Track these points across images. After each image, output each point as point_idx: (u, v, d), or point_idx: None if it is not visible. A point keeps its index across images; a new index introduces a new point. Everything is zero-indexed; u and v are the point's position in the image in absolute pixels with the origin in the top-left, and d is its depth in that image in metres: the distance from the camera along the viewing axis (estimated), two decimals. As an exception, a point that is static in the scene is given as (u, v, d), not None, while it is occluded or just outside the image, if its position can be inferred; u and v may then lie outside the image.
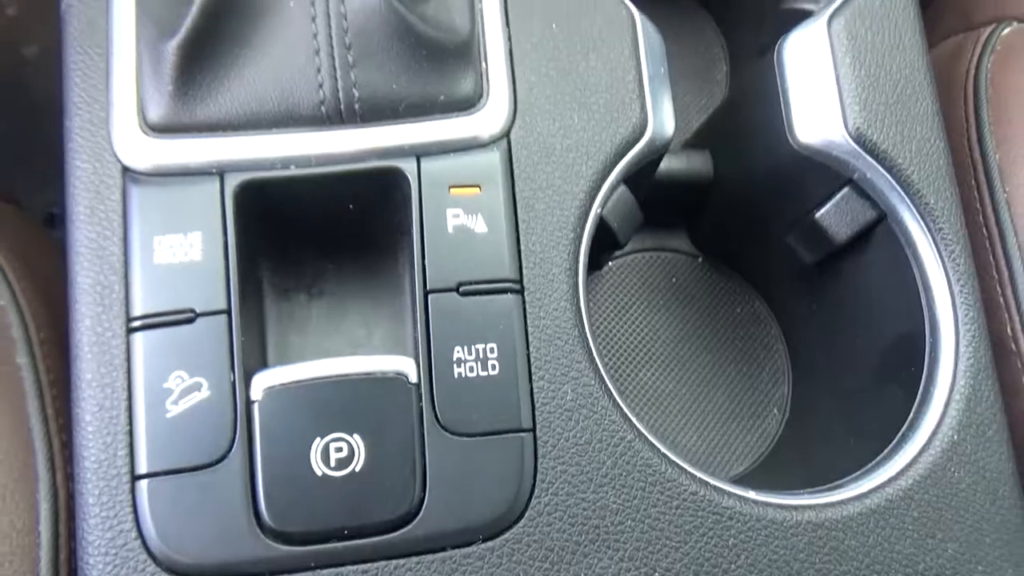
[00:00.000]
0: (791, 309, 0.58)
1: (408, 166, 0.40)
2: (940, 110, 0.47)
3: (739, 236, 0.58)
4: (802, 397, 0.57)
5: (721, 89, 0.67)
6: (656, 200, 0.52)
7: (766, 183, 0.51)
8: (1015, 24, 0.59)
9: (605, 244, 0.45)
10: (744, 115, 0.52)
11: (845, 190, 0.47)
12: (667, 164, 0.55)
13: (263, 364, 0.41)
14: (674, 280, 0.60)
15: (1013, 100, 0.53)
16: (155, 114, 0.39)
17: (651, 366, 0.58)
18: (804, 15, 0.50)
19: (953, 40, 0.63)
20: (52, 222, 1.28)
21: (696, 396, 0.58)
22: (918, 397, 0.43)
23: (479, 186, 0.40)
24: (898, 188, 0.45)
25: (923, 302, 0.45)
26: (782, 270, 0.55)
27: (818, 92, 0.46)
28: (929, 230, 0.45)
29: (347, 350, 0.43)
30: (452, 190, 0.40)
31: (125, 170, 0.39)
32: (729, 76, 0.67)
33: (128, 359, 0.37)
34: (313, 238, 0.43)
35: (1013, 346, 0.46)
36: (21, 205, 0.67)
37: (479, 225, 0.40)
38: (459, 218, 0.40)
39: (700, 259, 0.61)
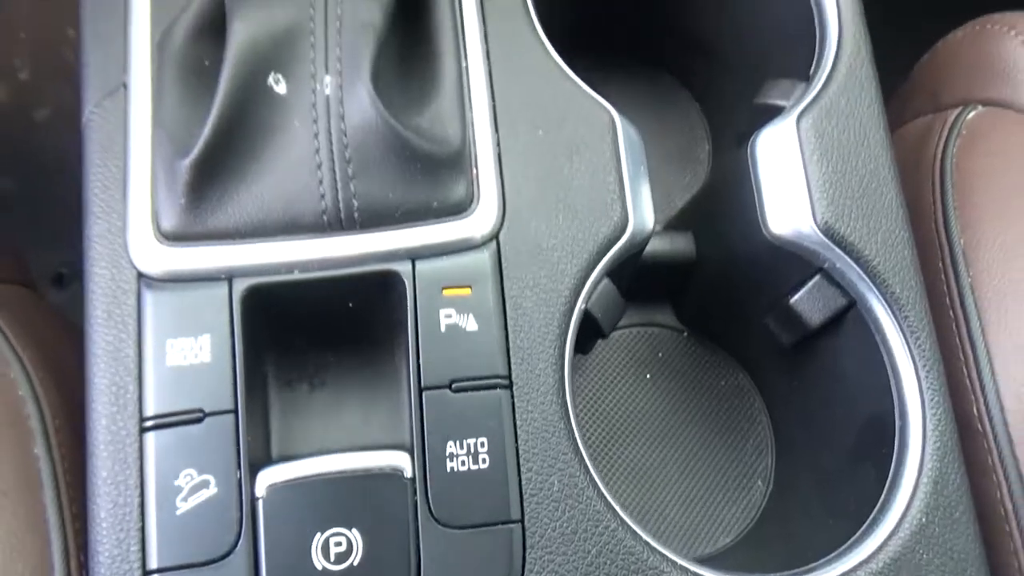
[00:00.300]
0: (773, 384, 0.61)
1: (404, 268, 0.43)
2: (904, 202, 0.50)
3: (721, 314, 0.61)
4: (785, 470, 0.59)
5: (704, 168, 0.70)
6: (642, 279, 0.55)
7: (744, 268, 0.54)
8: (980, 108, 0.63)
9: (591, 333, 0.48)
10: (722, 202, 0.55)
11: (817, 278, 0.50)
12: (652, 245, 0.58)
13: (268, 456, 0.43)
14: (660, 355, 0.63)
15: (977, 185, 0.56)
16: (168, 224, 0.42)
17: (638, 439, 0.60)
18: (776, 110, 0.54)
19: (923, 120, 0.67)
20: (61, 281, 1.32)
21: (682, 468, 0.60)
22: (889, 479, 0.46)
23: (470, 286, 0.43)
24: (865, 278, 0.48)
25: (892, 386, 0.47)
26: (763, 347, 0.58)
27: (789, 186, 0.49)
28: (896, 317, 0.48)
29: (346, 439, 0.45)
30: (445, 291, 0.43)
31: (140, 276, 0.42)
32: (711, 156, 0.70)
33: (141, 457, 0.39)
34: (315, 333, 0.45)
35: (979, 426, 0.49)
36: (30, 271, 0.70)
37: (470, 324, 0.42)
38: (451, 318, 0.42)
39: (685, 334, 0.64)
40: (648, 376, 0.62)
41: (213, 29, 0.44)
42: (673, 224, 0.64)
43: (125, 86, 0.45)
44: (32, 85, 1.42)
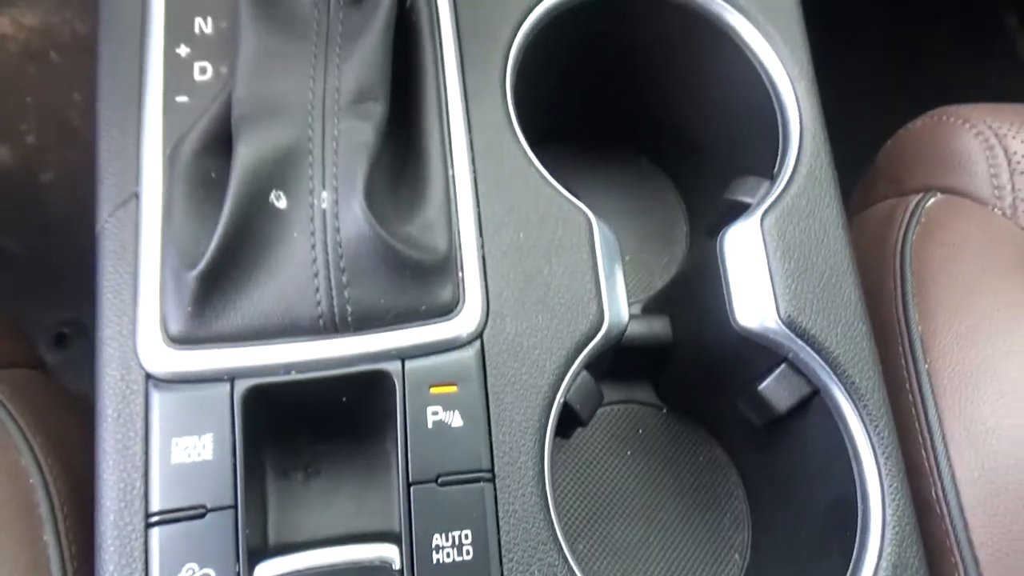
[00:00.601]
0: (748, 460, 0.64)
1: (394, 368, 0.46)
2: (863, 296, 0.53)
3: (697, 393, 0.64)
4: (760, 545, 0.61)
5: (682, 248, 0.74)
6: (622, 359, 0.58)
7: (716, 354, 0.57)
8: (939, 195, 0.67)
9: (571, 422, 0.51)
10: (696, 291, 0.59)
11: (782, 367, 0.53)
12: (631, 329, 0.61)
13: (265, 545, 0.46)
14: (641, 431, 0.66)
15: (934, 274, 0.60)
16: (176, 328, 0.45)
17: (620, 516, 0.63)
18: (744, 206, 0.58)
19: (886, 204, 0.71)
20: (62, 341, 1.34)
21: (663, 543, 0.62)
22: (852, 562, 0.48)
23: (456, 384, 0.46)
24: (827, 368, 0.51)
25: (854, 471, 0.50)
26: (737, 425, 0.61)
27: (754, 282, 0.52)
28: (856, 406, 0.51)
29: (340, 525, 0.48)
30: (432, 389, 0.46)
31: (148, 376, 0.45)
32: (689, 237, 0.74)
33: (146, 551, 0.42)
34: (311, 426, 0.48)
35: (938, 509, 0.51)
36: (39, 349, 0.73)
37: (456, 420, 0.46)
38: (438, 415, 0.45)
39: (665, 410, 0.67)
40: (629, 453, 0.65)
41: (219, 144, 0.48)
42: (651, 305, 0.68)
43: (137, 196, 0.49)
44: (38, 148, 1.47)
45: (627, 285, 0.60)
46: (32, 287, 1.33)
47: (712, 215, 0.63)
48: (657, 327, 0.62)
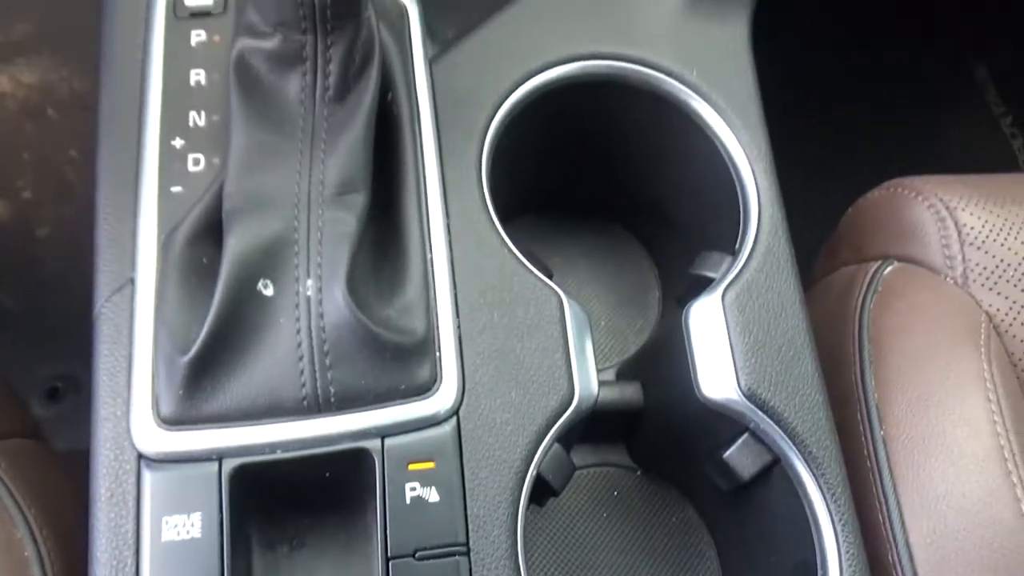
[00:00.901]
0: (718, 521, 0.66)
1: (374, 445, 0.48)
2: (819, 368, 0.56)
3: (668, 456, 0.66)
4: (731, 606, 0.64)
5: (654, 314, 0.77)
6: (596, 423, 0.61)
7: (683, 421, 0.60)
8: (896, 263, 0.70)
9: (544, 492, 0.54)
10: (664, 360, 0.62)
11: (745, 436, 0.56)
12: (604, 395, 0.64)
13: None
14: (616, 493, 0.68)
15: (890, 342, 0.63)
16: (167, 410, 0.48)
17: (596, 577, 0.65)
18: (708, 280, 0.61)
19: (847, 270, 0.74)
20: (55, 395, 1.36)
21: (638, 605, 0.64)
22: (812, 628, 0.51)
23: (433, 461, 0.49)
24: (786, 438, 0.54)
25: (814, 537, 0.53)
26: (707, 488, 0.63)
27: (717, 355, 0.56)
28: (815, 475, 0.54)
29: (324, 596, 0.50)
30: (411, 466, 0.48)
31: (140, 456, 0.48)
32: (661, 302, 0.77)
33: (137, 628, 0.44)
34: (295, 500, 0.51)
35: (894, 573, 0.54)
36: (35, 419, 0.75)
37: (432, 495, 0.48)
38: (416, 491, 0.48)
39: (638, 472, 0.70)
40: (605, 515, 0.67)
41: (211, 232, 0.51)
42: (624, 370, 0.71)
43: (133, 282, 0.52)
44: (34, 204, 1.50)
45: (602, 349, 0.62)
46: (26, 341, 1.35)
47: (681, 285, 0.66)
48: (629, 393, 0.65)
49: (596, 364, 0.56)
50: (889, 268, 0.70)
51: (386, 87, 0.56)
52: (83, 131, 1.50)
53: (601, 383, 0.58)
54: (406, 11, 0.62)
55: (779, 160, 0.63)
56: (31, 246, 1.42)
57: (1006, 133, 1.72)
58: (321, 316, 0.48)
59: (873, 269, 0.70)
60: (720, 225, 0.65)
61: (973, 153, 1.67)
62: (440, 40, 0.66)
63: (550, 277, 0.58)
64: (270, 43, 0.50)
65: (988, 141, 1.69)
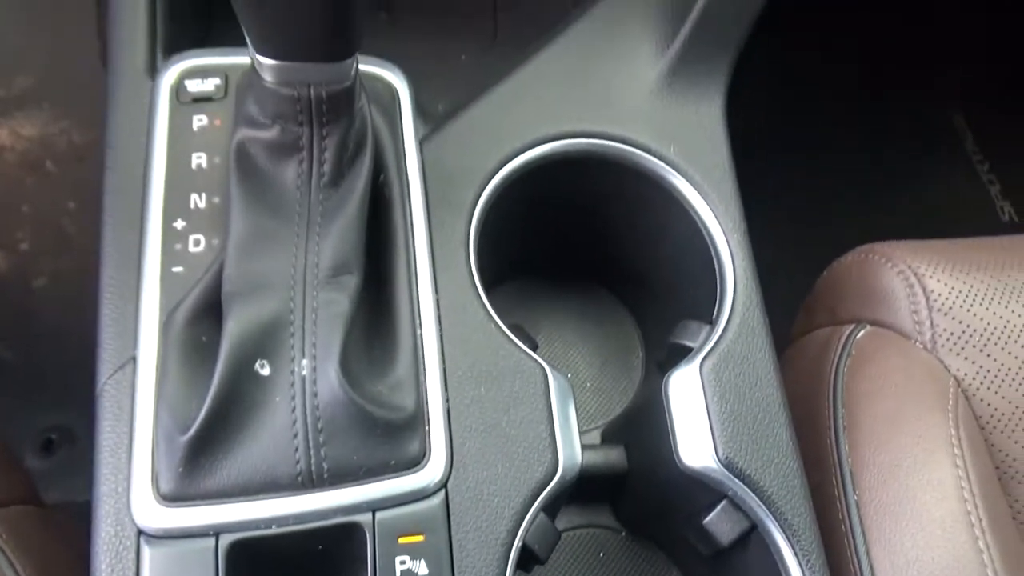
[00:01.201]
0: (701, 583, 0.68)
1: (365, 519, 0.50)
2: (794, 435, 0.59)
3: (652, 520, 0.68)
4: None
5: (638, 375, 0.79)
6: (582, 486, 0.63)
7: (665, 487, 0.62)
8: (868, 327, 0.73)
9: (530, 560, 0.56)
10: (645, 426, 0.64)
11: (724, 503, 0.58)
12: (589, 459, 0.66)
13: None
14: (602, 555, 0.70)
15: (862, 407, 0.66)
16: (166, 487, 0.50)
17: (583, 640, 0.67)
18: (687, 349, 0.63)
19: (823, 332, 0.77)
20: (49, 447, 1.37)
21: (623, 666, 0.66)
22: None
23: (423, 534, 0.51)
24: (763, 506, 0.56)
25: (792, 603, 0.55)
26: (690, 552, 0.65)
27: (696, 424, 0.58)
28: (790, 541, 0.56)
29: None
30: (400, 539, 0.50)
31: (140, 532, 0.49)
32: (644, 364, 0.80)
33: None
34: (289, 572, 0.52)
35: (870, 637, 0.56)
36: (35, 485, 0.76)
37: (422, 568, 0.50)
38: (406, 564, 0.50)
39: (624, 533, 0.71)
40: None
41: (210, 311, 0.54)
42: (609, 431, 0.73)
43: (135, 360, 0.54)
44: (32, 255, 1.52)
45: (588, 410, 0.64)
46: (21, 393, 1.36)
47: (662, 350, 0.69)
48: (613, 457, 0.67)
49: (582, 425, 0.58)
50: (862, 332, 0.73)
51: (378, 169, 0.59)
52: (81, 183, 1.54)
53: (586, 447, 0.60)
54: (397, 94, 0.65)
55: (764, 213, 0.66)
56: (28, 297, 1.44)
57: (984, 180, 1.77)
58: (315, 395, 0.50)
59: (847, 333, 0.73)
60: (698, 293, 0.68)
61: (953, 200, 1.71)
62: (430, 114, 0.69)
63: (535, 348, 0.61)
64: (269, 134, 0.53)
65: (968, 188, 1.74)
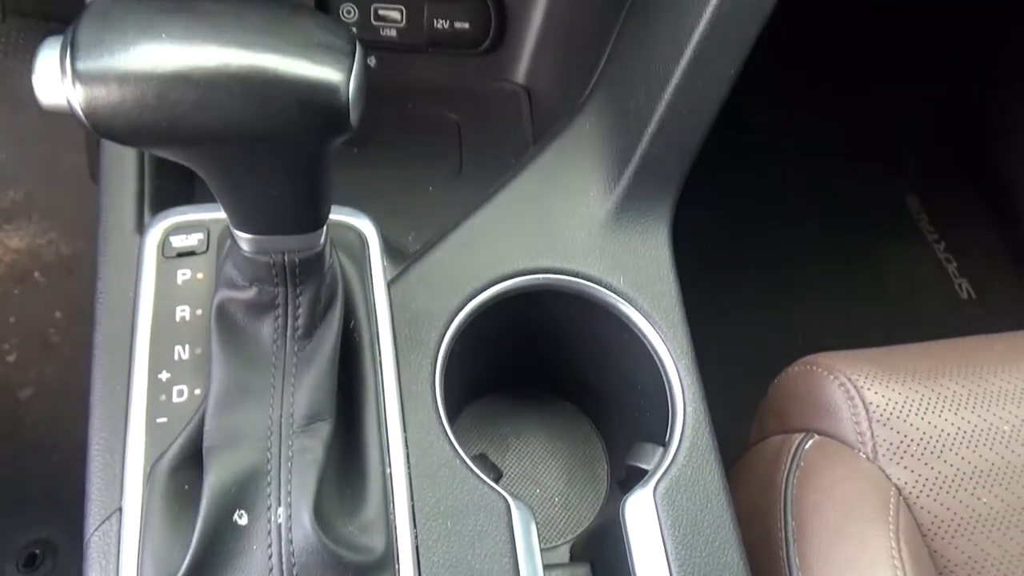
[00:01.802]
0: None
1: None
2: (745, 557, 0.62)
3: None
4: None
5: (604, 486, 0.83)
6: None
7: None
8: (816, 437, 0.78)
9: None
10: (607, 546, 0.67)
11: (681, 625, 0.61)
12: (557, 579, 0.69)
13: None
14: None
15: (812, 519, 0.70)
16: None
17: None
18: (643, 472, 0.68)
19: (776, 440, 0.82)
20: (33, 563, 1.37)
21: None
22: None
23: None
24: (717, 630, 0.60)
25: None
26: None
27: (651, 547, 0.62)
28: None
29: None
30: None
31: None
32: (609, 476, 0.84)
33: None
34: None
35: None
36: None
37: None
38: None
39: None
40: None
41: (192, 459, 0.58)
42: (578, 545, 0.76)
43: (120, 511, 0.57)
44: (18, 366, 1.55)
45: (556, 525, 0.67)
46: (5, 506, 1.37)
47: (622, 468, 0.73)
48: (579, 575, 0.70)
49: (552, 540, 0.61)
50: (810, 442, 0.77)
51: (348, 316, 0.65)
52: (68, 292, 1.58)
53: (553, 566, 0.63)
54: (367, 239, 0.71)
55: (729, 298, 0.71)
56: (13, 408, 1.46)
57: (940, 259, 1.86)
58: (291, 542, 0.54)
59: (796, 443, 0.78)
60: (652, 414, 0.72)
61: (912, 280, 1.80)
62: (399, 250, 0.74)
63: (500, 477, 0.65)
64: (247, 294, 0.58)
65: (926, 267, 1.83)
